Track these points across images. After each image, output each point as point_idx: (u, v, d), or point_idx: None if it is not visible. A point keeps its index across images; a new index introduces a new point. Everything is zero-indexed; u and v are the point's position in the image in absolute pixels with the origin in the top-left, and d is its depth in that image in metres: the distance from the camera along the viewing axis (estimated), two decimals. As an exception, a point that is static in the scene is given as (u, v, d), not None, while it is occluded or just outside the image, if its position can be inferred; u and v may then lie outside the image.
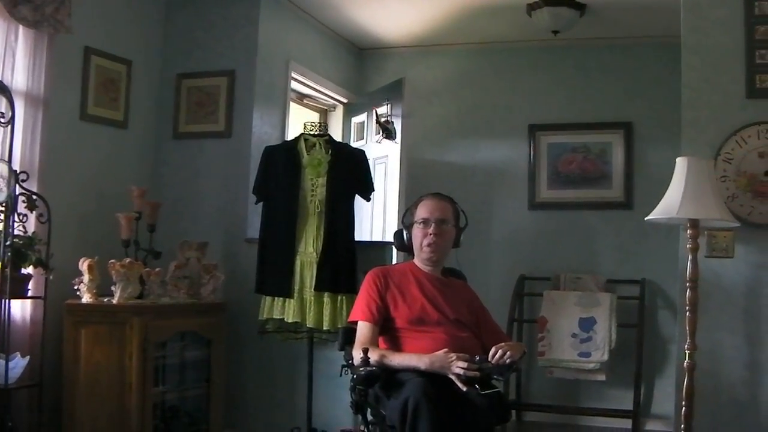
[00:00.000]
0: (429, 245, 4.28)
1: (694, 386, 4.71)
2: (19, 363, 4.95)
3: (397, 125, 6.78)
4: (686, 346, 4.70)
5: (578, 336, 6.80)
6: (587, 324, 6.81)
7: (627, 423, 6.76)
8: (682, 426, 4.71)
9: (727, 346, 5.11)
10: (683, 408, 4.71)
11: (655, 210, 4.70)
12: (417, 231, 4.32)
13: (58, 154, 5.52)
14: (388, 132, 7.02)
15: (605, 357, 6.69)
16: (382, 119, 6.98)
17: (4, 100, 4.98)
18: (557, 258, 7.54)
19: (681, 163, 4.68)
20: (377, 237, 6.69)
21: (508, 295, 7.29)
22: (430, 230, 4.26)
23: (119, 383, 5.18)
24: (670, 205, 4.61)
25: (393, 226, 4.47)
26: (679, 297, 5.02)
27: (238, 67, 6.45)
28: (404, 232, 4.44)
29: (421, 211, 4.33)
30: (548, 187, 7.68)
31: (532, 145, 7.74)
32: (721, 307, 5.11)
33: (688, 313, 4.71)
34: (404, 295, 4.23)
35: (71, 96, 5.78)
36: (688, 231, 4.67)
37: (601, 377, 6.80)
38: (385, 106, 7.13)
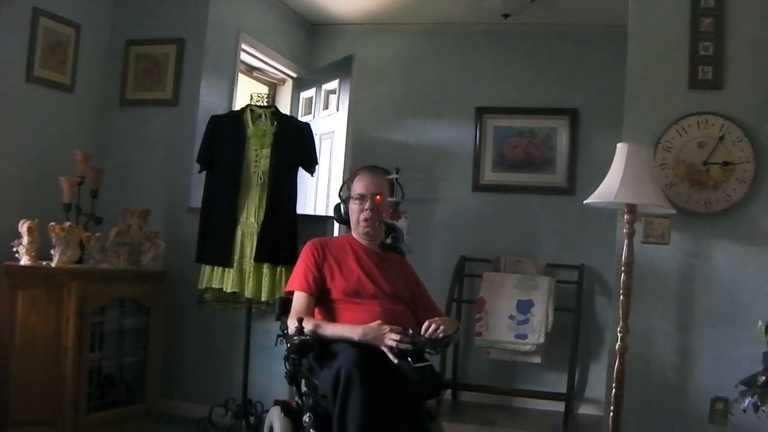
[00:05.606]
0: (366, 220, 4.29)
1: (625, 369, 4.80)
2: (-47, 323, 4.92)
3: (345, 101, 6.79)
4: (619, 329, 4.78)
5: (515, 318, 6.87)
6: (525, 306, 6.88)
7: (560, 406, 6.87)
8: (612, 407, 4.79)
9: (659, 331, 5.22)
10: (613, 390, 4.79)
11: (594, 194, 4.77)
12: (354, 206, 4.34)
13: (1, 113, 5.48)
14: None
15: (541, 340, 6.77)
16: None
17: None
18: (498, 240, 7.60)
19: (621, 149, 4.75)
20: (321, 212, 6.70)
21: (448, 275, 7.34)
22: (367, 205, 4.29)
23: (55, 347, 5.15)
24: (608, 189, 4.68)
25: (337, 201, 4.51)
26: (615, 282, 5.09)
27: (187, 36, 6.41)
28: (342, 206, 4.47)
29: (357, 186, 4.34)
30: (492, 169, 7.74)
31: (478, 127, 7.78)
32: (655, 293, 5.23)
33: (621, 297, 4.80)
34: (341, 267, 4.24)
35: (18, 57, 5.69)
36: (625, 216, 4.75)
37: (537, 360, 6.88)
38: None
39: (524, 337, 6.81)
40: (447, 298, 7.12)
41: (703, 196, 5.14)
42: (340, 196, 4.52)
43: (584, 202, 4.87)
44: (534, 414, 7.19)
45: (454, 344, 7.04)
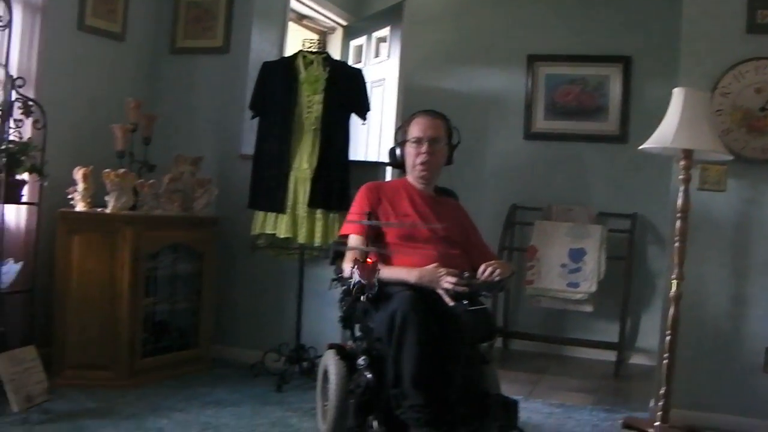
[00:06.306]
0: (422, 164, 4.29)
1: (679, 316, 4.75)
2: (12, 268, 4.98)
3: (396, 48, 6.75)
4: (674, 275, 4.73)
5: (567, 266, 6.84)
6: (577, 255, 6.84)
7: (612, 355, 6.86)
8: (666, 355, 4.76)
9: (714, 279, 5.17)
10: (667, 337, 4.75)
11: (649, 139, 4.68)
12: (410, 149, 4.33)
13: (55, 62, 5.50)
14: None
15: (593, 288, 6.73)
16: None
17: (2, 3, 4.95)
18: (550, 189, 7.54)
19: (678, 94, 4.66)
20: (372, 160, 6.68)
21: (499, 224, 7.33)
22: (423, 149, 4.27)
23: (110, 292, 5.24)
24: (664, 134, 4.60)
25: (391, 146, 4.50)
26: (670, 229, 5.03)
27: (237, -17, 6.40)
28: (397, 150, 4.45)
29: (414, 130, 4.33)
30: (544, 117, 7.66)
31: (530, 75, 7.70)
32: (709, 241, 5.16)
33: (677, 243, 4.72)
34: (396, 210, 4.25)
35: (69, 5, 5.72)
36: (681, 162, 4.66)
37: (589, 308, 6.85)
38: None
39: (576, 285, 6.79)
40: (498, 246, 7.10)
41: (760, 143, 5.06)
42: (395, 139, 4.49)
43: (639, 147, 4.79)
44: (585, 363, 7.17)
45: (506, 292, 7.04)
